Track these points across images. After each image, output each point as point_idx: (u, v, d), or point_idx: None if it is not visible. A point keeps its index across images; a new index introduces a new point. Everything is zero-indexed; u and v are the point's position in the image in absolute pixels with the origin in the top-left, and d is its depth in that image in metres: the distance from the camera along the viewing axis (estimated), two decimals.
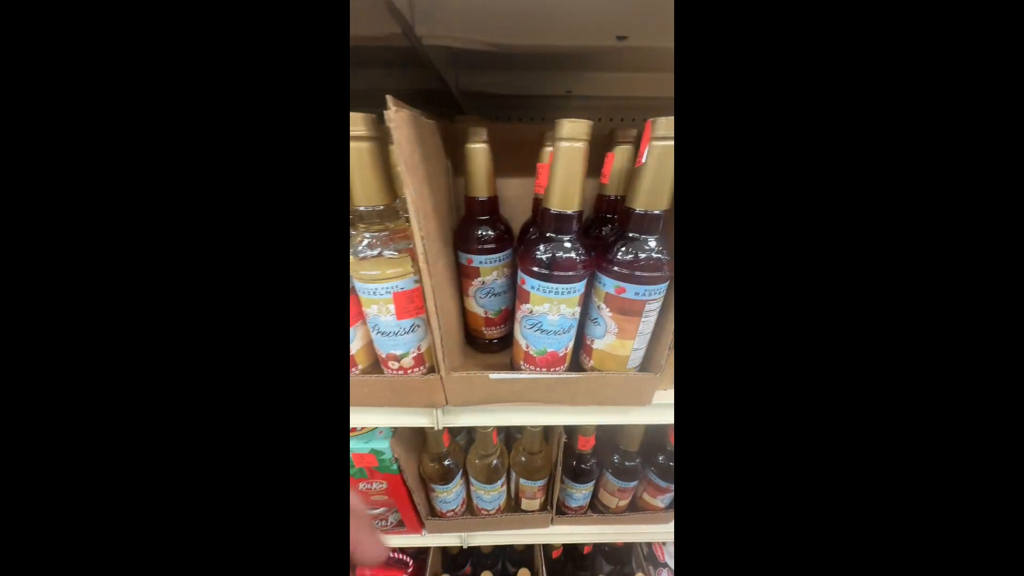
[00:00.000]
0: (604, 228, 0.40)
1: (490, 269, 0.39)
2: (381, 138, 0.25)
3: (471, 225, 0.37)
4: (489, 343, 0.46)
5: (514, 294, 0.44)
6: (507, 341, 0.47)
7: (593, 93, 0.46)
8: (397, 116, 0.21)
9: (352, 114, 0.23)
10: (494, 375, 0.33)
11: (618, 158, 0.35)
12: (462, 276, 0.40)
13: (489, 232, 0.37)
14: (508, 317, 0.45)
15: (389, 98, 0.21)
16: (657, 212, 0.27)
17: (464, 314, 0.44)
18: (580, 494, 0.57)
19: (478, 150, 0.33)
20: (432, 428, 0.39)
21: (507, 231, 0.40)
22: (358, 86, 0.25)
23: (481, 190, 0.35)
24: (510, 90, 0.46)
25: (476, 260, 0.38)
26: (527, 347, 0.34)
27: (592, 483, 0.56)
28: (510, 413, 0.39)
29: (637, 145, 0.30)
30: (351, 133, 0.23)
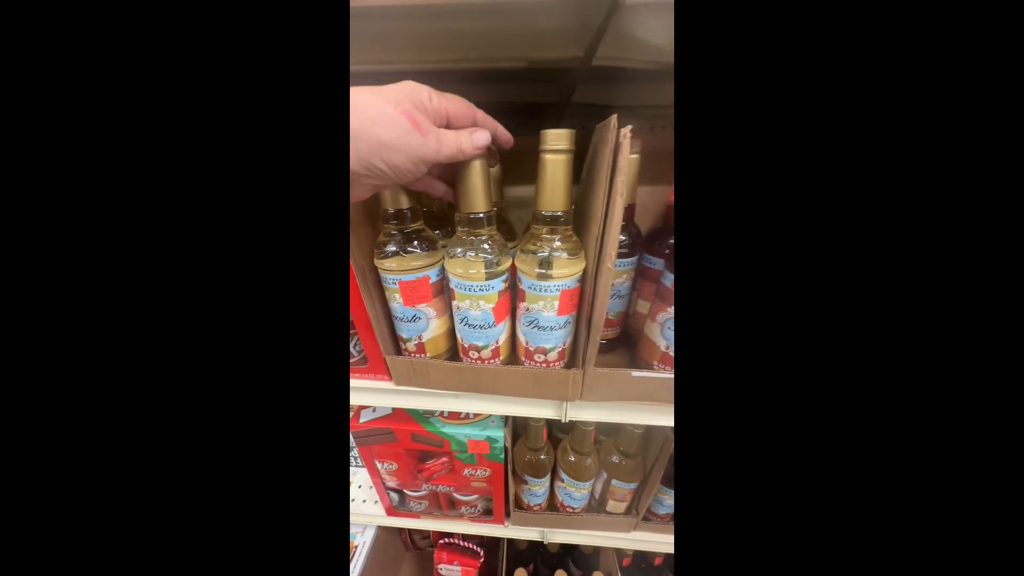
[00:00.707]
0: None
1: (620, 272, 0.41)
2: (571, 150, 0.28)
3: None
4: (602, 344, 0.48)
5: (630, 302, 0.46)
6: (617, 343, 0.49)
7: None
8: (625, 137, 0.23)
9: (558, 132, 0.26)
10: (636, 372, 0.35)
11: None
12: None
13: (624, 236, 0.39)
14: (623, 321, 0.47)
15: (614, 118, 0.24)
16: None
17: None
18: (673, 501, 0.57)
19: (631, 162, 0.35)
20: (558, 420, 0.41)
21: (639, 235, 0.41)
22: (477, 99, 0.28)
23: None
24: (625, 101, 0.48)
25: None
26: (667, 348, 0.36)
27: None
28: (634, 412, 0.40)
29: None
30: (558, 147, 0.26)
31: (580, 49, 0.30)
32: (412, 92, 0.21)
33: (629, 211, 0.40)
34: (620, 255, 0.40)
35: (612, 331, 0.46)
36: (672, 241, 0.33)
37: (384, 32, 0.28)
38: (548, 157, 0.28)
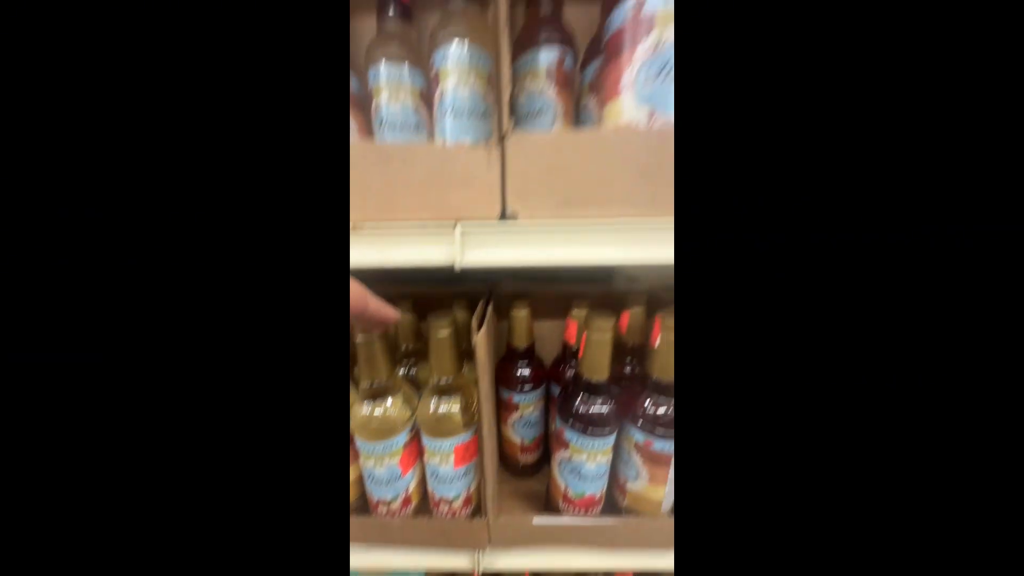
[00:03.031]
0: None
1: (528, 404, 0.44)
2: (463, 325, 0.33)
3: (512, 366, 0.44)
4: (524, 468, 0.49)
5: (546, 422, 0.49)
6: (539, 465, 0.50)
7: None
8: (480, 340, 0.29)
9: (443, 321, 0.32)
10: (537, 520, 0.36)
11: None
12: (501, 408, 0.46)
13: (527, 372, 0.44)
14: (541, 443, 0.48)
15: (474, 322, 0.30)
16: (667, 381, 0.33)
17: (501, 441, 0.48)
18: None
19: (521, 317, 0.41)
20: (472, 572, 0.39)
21: (541, 367, 0.46)
22: None
23: (522, 342, 0.43)
24: None
25: (516, 398, 0.44)
26: (566, 489, 0.37)
27: None
28: (549, 555, 0.39)
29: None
30: (441, 334, 0.32)
31: None
32: None
33: (528, 350, 0.45)
34: (524, 390, 0.44)
35: (530, 456, 0.48)
36: (570, 391, 0.38)
37: None
38: (433, 337, 0.33)
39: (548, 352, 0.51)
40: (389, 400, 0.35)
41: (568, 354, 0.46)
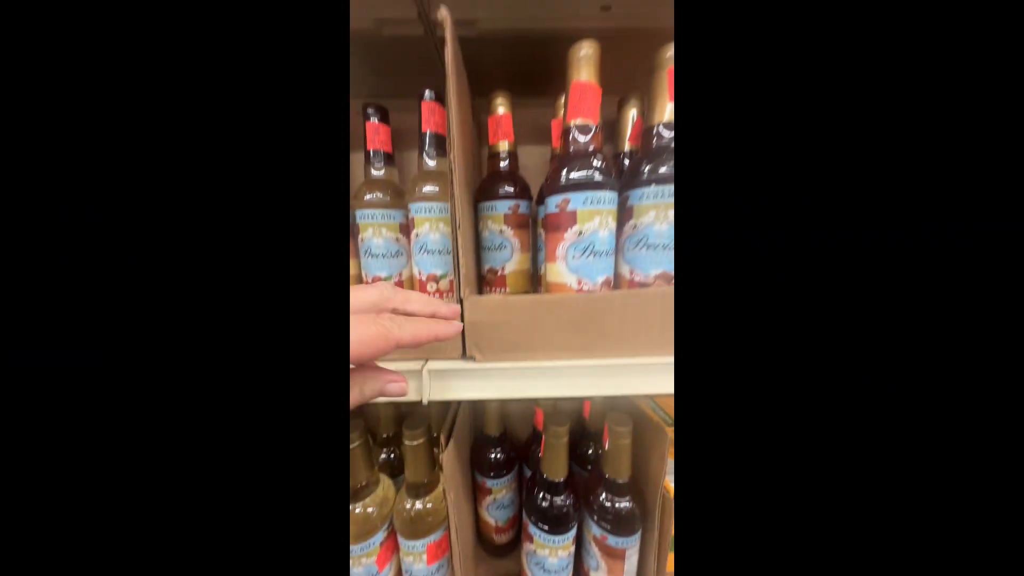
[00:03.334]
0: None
1: (500, 488, 0.47)
2: (431, 440, 0.37)
3: (485, 452, 0.47)
4: (499, 547, 0.51)
5: (520, 502, 0.52)
6: (514, 544, 0.52)
7: None
8: (448, 456, 0.33)
9: (414, 431, 0.36)
10: None
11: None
12: (477, 491, 0.49)
13: (499, 458, 0.47)
14: (515, 523, 0.51)
15: (443, 438, 0.34)
16: (622, 481, 0.37)
17: (478, 522, 0.50)
18: None
19: (492, 408, 0.45)
20: None
21: (513, 451, 0.49)
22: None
23: (494, 431, 0.47)
24: None
25: (489, 482, 0.47)
26: None
27: None
28: None
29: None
30: (414, 442, 0.36)
31: None
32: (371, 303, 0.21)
33: (500, 437, 0.49)
34: (498, 475, 0.47)
35: (505, 536, 0.50)
36: (534, 490, 0.41)
37: None
38: (407, 444, 0.37)
39: (520, 425, 0.54)
40: (367, 500, 0.38)
41: (537, 436, 0.50)
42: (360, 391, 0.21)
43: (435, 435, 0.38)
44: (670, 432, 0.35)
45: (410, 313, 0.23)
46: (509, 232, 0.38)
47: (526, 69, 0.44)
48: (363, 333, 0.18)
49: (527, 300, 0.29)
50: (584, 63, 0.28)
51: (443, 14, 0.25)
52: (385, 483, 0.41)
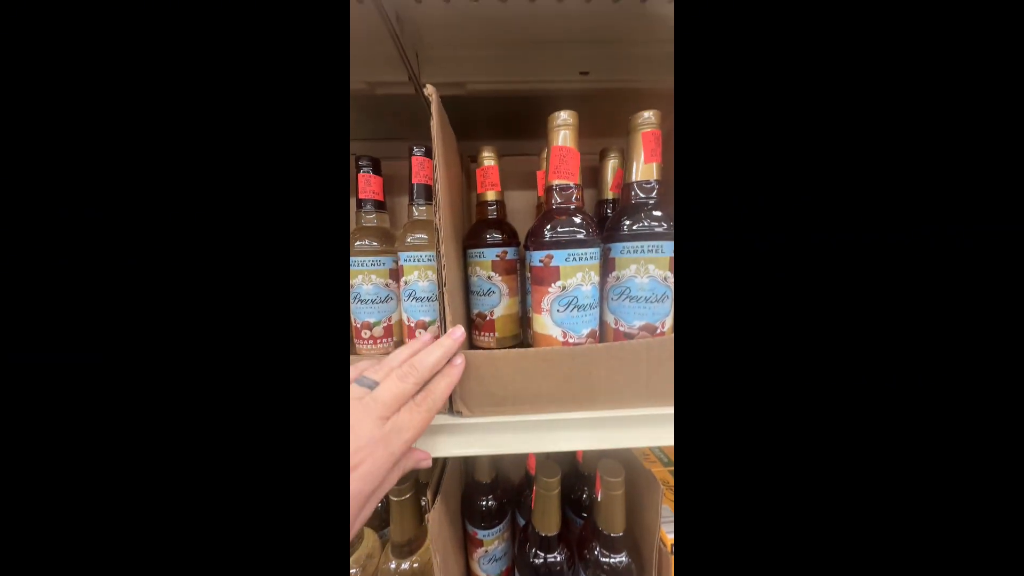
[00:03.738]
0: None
1: (492, 540, 0.45)
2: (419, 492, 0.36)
3: (477, 500, 0.46)
4: None
5: (513, 552, 0.50)
6: None
7: None
8: (435, 514, 0.32)
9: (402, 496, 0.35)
10: None
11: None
12: (468, 543, 0.47)
13: (492, 506, 0.46)
14: (510, 572, 0.49)
15: (429, 494, 0.33)
16: (616, 535, 0.36)
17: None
18: None
19: (484, 464, 0.44)
20: None
21: (507, 496, 0.48)
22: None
23: (485, 477, 0.45)
24: None
25: (481, 533, 0.45)
26: None
27: None
28: None
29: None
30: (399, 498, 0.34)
31: None
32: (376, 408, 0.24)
33: (492, 484, 0.47)
34: (489, 525, 0.45)
35: None
36: (525, 546, 0.40)
37: None
38: (392, 499, 0.35)
39: (513, 469, 0.53)
40: (351, 559, 0.36)
41: (530, 480, 0.48)
42: (401, 468, 0.26)
43: (423, 484, 0.37)
44: (669, 476, 0.34)
45: (431, 369, 0.27)
46: (497, 278, 0.38)
47: (513, 122, 0.47)
48: (421, 427, 0.25)
49: (512, 355, 0.30)
50: (562, 129, 0.30)
51: (429, 90, 0.27)
52: (370, 538, 0.40)
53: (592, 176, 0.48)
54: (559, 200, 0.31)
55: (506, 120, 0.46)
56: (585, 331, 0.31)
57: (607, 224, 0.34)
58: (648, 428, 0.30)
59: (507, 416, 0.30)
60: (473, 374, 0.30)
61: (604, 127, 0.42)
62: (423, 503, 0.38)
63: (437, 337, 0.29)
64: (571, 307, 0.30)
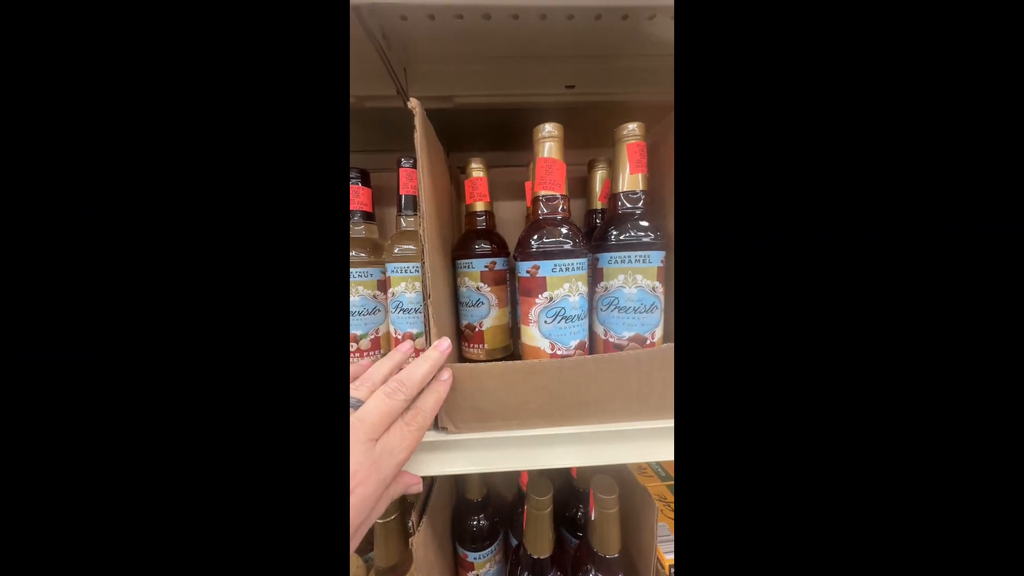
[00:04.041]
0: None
1: (484, 562, 0.44)
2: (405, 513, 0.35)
3: (467, 520, 0.44)
4: None
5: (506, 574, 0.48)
6: None
7: None
8: (421, 537, 0.30)
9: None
10: None
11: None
12: (458, 566, 0.45)
13: (484, 526, 0.44)
14: None
15: (414, 515, 0.32)
16: (611, 556, 0.34)
17: None
18: None
19: (474, 481, 0.43)
20: None
21: (498, 515, 0.46)
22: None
23: (476, 495, 0.44)
24: None
25: (471, 556, 0.43)
26: None
27: None
28: None
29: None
30: (383, 519, 0.33)
31: None
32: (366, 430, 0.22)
33: (483, 502, 0.46)
34: (480, 547, 0.43)
35: None
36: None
37: None
38: (377, 521, 0.34)
39: (505, 486, 0.51)
40: None
41: (523, 497, 0.46)
42: (390, 495, 0.25)
43: (409, 504, 0.36)
44: (667, 492, 0.32)
45: (420, 384, 0.26)
46: (486, 289, 0.38)
47: (502, 134, 0.47)
48: (412, 447, 0.24)
49: (497, 368, 0.29)
50: (547, 141, 0.30)
51: (413, 103, 0.27)
52: (354, 563, 0.38)
53: (581, 187, 0.48)
54: (546, 211, 0.31)
55: (495, 132, 0.46)
56: (574, 343, 0.30)
57: (594, 234, 0.34)
58: (641, 442, 0.29)
59: (495, 432, 0.29)
60: (458, 388, 0.29)
61: (591, 138, 0.43)
62: (409, 525, 0.36)
63: (417, 350, 0.28)
64: (559, 318, 0.29)
